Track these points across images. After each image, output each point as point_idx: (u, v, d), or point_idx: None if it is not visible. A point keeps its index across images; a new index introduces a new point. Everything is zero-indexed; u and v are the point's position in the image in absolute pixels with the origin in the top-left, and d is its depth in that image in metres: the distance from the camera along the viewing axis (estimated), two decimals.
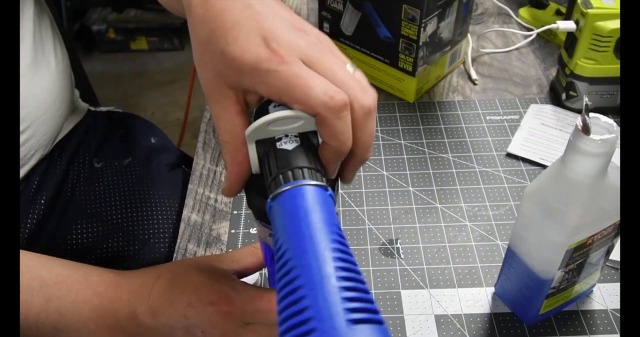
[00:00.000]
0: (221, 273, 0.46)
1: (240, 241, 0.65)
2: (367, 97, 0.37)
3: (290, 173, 0.34)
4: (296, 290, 0.26)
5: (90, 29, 2.43)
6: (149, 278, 0.47)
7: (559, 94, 0.79)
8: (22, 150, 0.69)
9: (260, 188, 0.37)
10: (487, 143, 0.76)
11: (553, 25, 0.79)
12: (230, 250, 0.47)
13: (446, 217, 0.67)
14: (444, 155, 0.74)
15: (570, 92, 0.77)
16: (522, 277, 0.53)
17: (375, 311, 0.26)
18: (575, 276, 0.52)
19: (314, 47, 0.36)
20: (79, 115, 0.84)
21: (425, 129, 0.78)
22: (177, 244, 0.66)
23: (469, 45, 0.89)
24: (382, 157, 0.74)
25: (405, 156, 0.74)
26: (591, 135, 0.41)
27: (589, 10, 0.71)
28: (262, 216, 0.38)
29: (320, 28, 0.86)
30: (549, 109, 0.79)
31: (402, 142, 0.76)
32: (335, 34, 0.84)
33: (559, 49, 0.90)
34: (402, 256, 0.63)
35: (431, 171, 0.72)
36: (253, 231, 0.66)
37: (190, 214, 0.69)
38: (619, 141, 0.42)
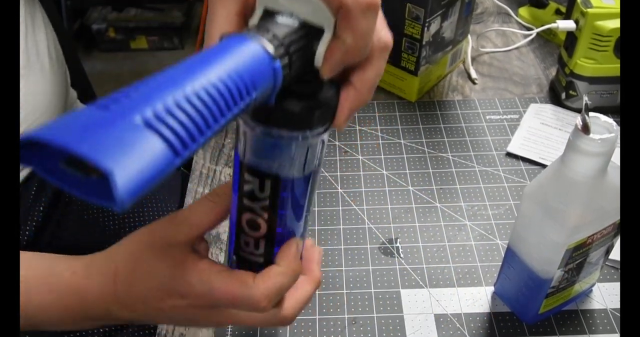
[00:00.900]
0: (182, 253, 0.41)
1: None
2: (386, 32, 0.36)
3: (259, 32, 0.30)
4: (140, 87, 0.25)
5: (90, 28, 2.42)
6: (107, 275, 0.43)
7: (559, 93, 0.79)
8: None
9: None
10: (487, 142, 0.76)
11: (553, 25, 0.79)
12: (183, 209, 0.43)
13: (446, 217, 0.67)
14: (443, 154, 0.74)
15: (570, 92, 0.77)
16: (521, 276, 0.53)
17: (183, 142, 0.24)
18: (575, 276, 0.53)
19: None
20: None
21: (425, 128, 0.78)
22: None
23: (468, 44, 0.89)
24: (382, 156, 0.74)
25: (405, 155, 0.74)
26: (591, 135, 0.41)
27: (589, 10, 0.71)
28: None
29: None
30: (549, 108, 0.79)
31: (402, 141, 0.76)
32: None
33: (558, 49, 0.90)
34: (401, 255, 0.63)
35: (431, 170, 0.72)
36: None
37: None
38: (618, 141, 0.42)
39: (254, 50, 0.29)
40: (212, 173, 0.74)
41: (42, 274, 0.45)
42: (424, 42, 0.75)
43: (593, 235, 0.48)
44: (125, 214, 0.77)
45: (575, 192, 0.45)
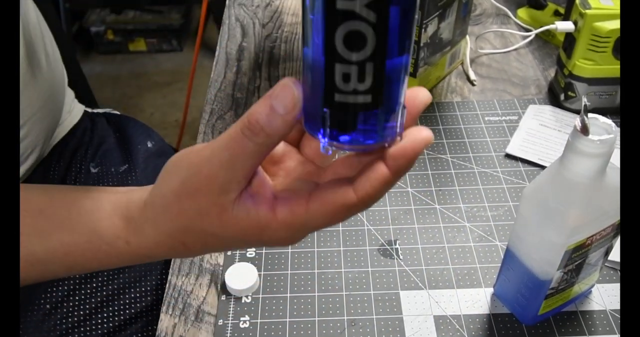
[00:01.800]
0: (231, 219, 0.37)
1: None
2: None
3: None
4: None
5: (88, 31, 2.42)
6: (172, 247, 0.40)
7: (558, 94, 0.80)
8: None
9: None
10: (486, 144, 0.76)
11: (551, 26, 0.79)
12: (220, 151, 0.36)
13: (445, 218, 0.67)
14: (442, 156, 0.74)
15: (569, 93, 0.77)
16: (521, 277, 0.53)
17: None
18: (574, 277, 0.52)
19: None
20: (76, 117, 0.84)
21: None
22: None
23: (467, 46, 0.89)
24: None
25: None
26: (590, 136, 0.41)
27: (588, 11, 0.71)
28: None
29: None
30: (548, 109, 0.79)
31: None
32: None
33: (557, 50, 0.90)
34: (401, 257, 0.63)
35: (430, 172, 0.72)
36: None
37: None
38: (617, 142, 0.42)
39: None
40: None
41: (87, 240, 0.43)
42: (421, 44, 0.75)
43: (592, 236, 0.48)
44: None
45: (574, 193, 0.45)
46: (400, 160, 0.33)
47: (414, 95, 0.35)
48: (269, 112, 0.33)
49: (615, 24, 0.70)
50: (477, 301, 0.59)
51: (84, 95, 0.91)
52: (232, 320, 0.58)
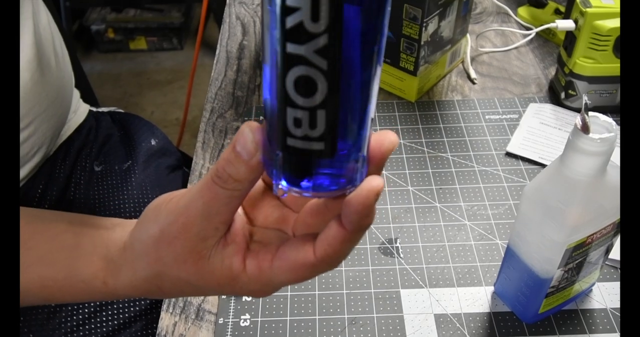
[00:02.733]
0: (212, 266, 0.37)
1: None
2: None
3: None
4: None
5: (89, 29, 2.42)
6: (149, 291, 0.42)
7: (558, 93, 0.80)
8: (25, 148, 0.69)
9: None
10: (487, 142, 0.76)
11: (552, 25, 0.79)
12: (197, 200, 0.35)
13: (445, 217, 0.67)
14: (443, 154, 0.74)
15: (570, 91, 0.77)
16: (521, 276, 0.53)
17: None
18: (575, 275, 0.53)
19: None
20: (82, 116, 0.84)
21: (424, 128, 0.78)
22: None
23: (468, 44, 0.89)
24: None
25: (404, 155, 0.74)
26: (590, 134, 0.41)
27: (588, 9, 0.71)
28: None
29: None
30: (548, 108, 0.79)
31: (402, 141, 0.76)
32: None
33: (558, 48, 0.90)
34: (401, 255, 0.63)
35: (430, 170, 0.72)
36: None
37: None
38: (618, 140, 0.42)
39: None
40: None
41: (65, 276, 0.44)
42: (422, 42, 0.75)
43: (593, 234, 0.48)
44: (127, 212, 0.77)
45: (574, 192, 0.45)
46: (352, 216, 0.32)
47: (380, 141, 0.33)
48: (234, 158, 0.33)
49: (616, 23, 0.70)
50: (477, 299, 0.59)
51: (85, 94, 0.91)
52: (232, 318, 0.58)
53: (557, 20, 0.77)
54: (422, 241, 0.65)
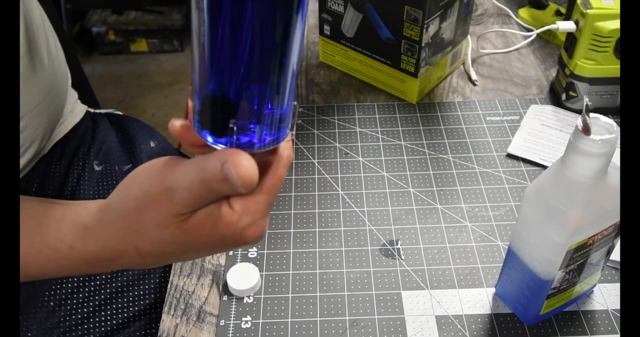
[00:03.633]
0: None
1: None
2: None
3: None
4: None
5: (90, 31, 2.42)
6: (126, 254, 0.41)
7: (559, 94, 0.80)
8: None
9: None
10: (487, 144, 0.76)
11: (553, 26, 0.79)
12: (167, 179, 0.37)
13: (446, 218, 0.67)
14: (444, 156, 0.74)
15: (570, 93, 0.77)
16: (522, 277, 0.53)
17: None
18: (576, 277, 0.52)
19: None
20: (78, 116, 0.84)
21: (425, 130, 0.78)
22: None
23: (468, 46, 0.89)
24: (383, 158, 0.74)
25: (405, 157, 0.74)
26: (591, 136, 0.41)
27: (589, 11, 0.71)
28: None
29: (321, 30, 0.86)
30: (549, 109, 0.79)
31: (403, 143, 0.76)
32: (336, 36, 0.84)
33: (558, 50, 0.90)
34: (402, 257, 0.63)
35: (431, 172, 0.72)
36: None
37: None
38: (619, 141, 0.42)
39: None
40: None
41: (29, 243, 0.43)
42: (423, 44, 0.75)
43: (594, 236, 0.48)
44: None
45: (575, 193, 0.45)
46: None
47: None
48: (225, 184, 0.35)
49: (617, 24, 0.70)
50: (478, 301, 0.59)
51: (85, 95, 0.91)
52: (233, 320, 0.58)
53: (557, 22, 0.77)
54: (423, 242, 0.65)
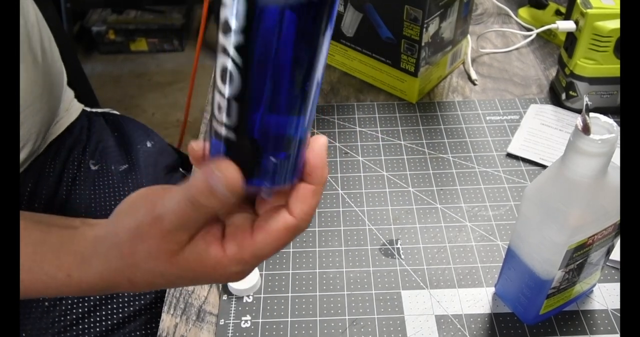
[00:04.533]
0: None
1: None
2: None
3: None
4: None
5: (90, 30, 2.42)
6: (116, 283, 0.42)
7: (559, 94, 0.79)
8: None
9: None
10: (487, 143, 0.76)
11: (553, 25, 0.79)
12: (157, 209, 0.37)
13: (446, 218, 0.67)
14: (444, 155, 0.74)
15: (570, 92, 0.77)
16: (522, 277, 0.53)
17: None
18: (576, 276, 0.52)
19: None
20: (73, 115, 0.84)
21: (425, 129, 0.78)
22: None
23: (468, 45, 0.89)
24: (382, 157, 0.74)
25: (405, 157, 0.74)
26: (591, 135, 0.41)
27: (589, 10, 0.71)
28: None
29: None
30: (549, 109, 0.79)
31: (402, 142, 0.76)
32: (336, 36, 0.84)
33: (558, 49, 0.90)
34: (402, 257, 0.63)
35: (431, 172, 0.72)
36: None
37: None
38: (619, 141, 0.42)
39: None
40: None
41: (28, 269, 0.43)
42: (423, 44, 0.75)
43: (594, 235, 0.48)
44: None
45: (575, 193, 0.45)
46: (315, 171, 0.36)
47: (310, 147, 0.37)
48: (209, 192, 0.34)
49: (617, 24, 0.70)
50: (478, 300, 0.59)
51: (85, 95, 0.91)
52: (233, 320, 0.58)
53: (557, 21, 0.77)
54: (423, 242, 0.65)
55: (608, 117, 0.43)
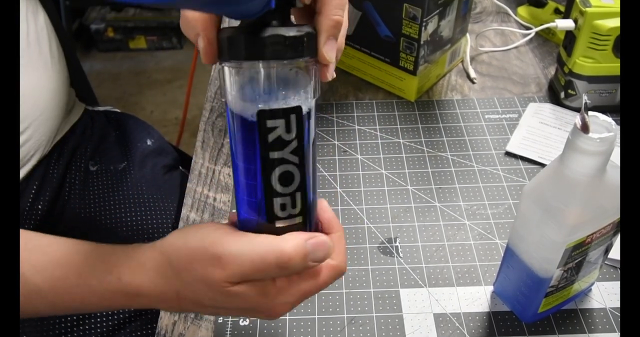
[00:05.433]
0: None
1: None
2: None
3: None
4: None
5: (89, 28, 2.42)
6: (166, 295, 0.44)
7: (558, 92, 0.79)
8: (22, 152, 0.69)
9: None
10: (486, 142, 0.76)
11: (552, 24, 0.79)
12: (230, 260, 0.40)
13: (445, 216, 0.67)
14: (442, 154, 0.74)
15: (569, 91, 0.77)
16: (520, 275, 0.53)
17: None
18: (574, 275, 0.53)
19: None
20: (76, 115, 0.84)
21: (424, 127, 0.78)
22: None
23: (467, 44, 0.89)
24: (381, 155, 0.74)
25: (404, 155, 0.74)
26: (590, 134, 0.41)
27: (588, 9, 0.71)
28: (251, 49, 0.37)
29: None
30: (548, 107, 0.79)
31: (401, 140, 0.76)
32: None
33: (557, 48, 0.90)
34: (401, 255, 0.63)
35: (430, 170, 0.72)
36: None
37: (189, 213, 0.69)
38: (617, 139, 0.42)
39: None
40: (211, 173, 0.74)
41: (78, 274, 0.44)
42: (422, 42, 0.75)
43: (592, 234, 0.48)
44: (122, 212, 0.77)
45: (574, 191, 0.45)
46: (334, 220, 0.45)
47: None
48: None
49: (616, 22, 0.70)
50: (477, 298, 0.59)
51: (84, 93, 0.91)
52: (232, 318, 0.58)
53: (556, 20, 0.77)
54: (421, 240, 0.65)
55: (607, 115, 0.43)
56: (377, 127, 0.78)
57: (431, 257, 0.63)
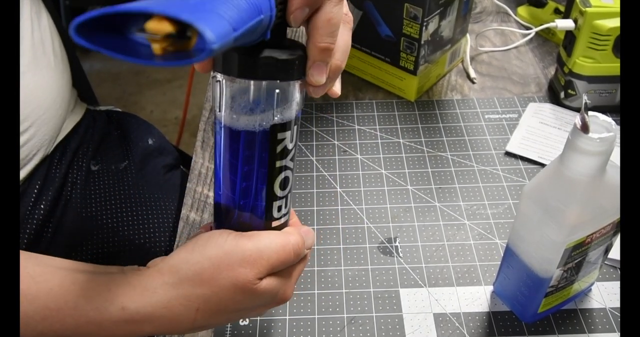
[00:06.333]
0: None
1: None
2: None
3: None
4: None
5: None
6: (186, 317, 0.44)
7: (558, 92, 0.80)
8: (24, 151, 0.69)
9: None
10: (486, 142, 0.76)
11: (552, 24, 0.79)
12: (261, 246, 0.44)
13: (445, 216, 0.67)
14: (442, 154, 0.74)
15: (569, 91, 0.77)
16: (520, 275, 0.53)
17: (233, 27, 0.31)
18: (574, 275, 0.53)
19: None
20: (78, 115, 0.84)
21: (424, 127, 0.78)
22: (176, 243, 0.66)
23: (467, 44, 0.89)
24: (381, 155, 0.74)
25: (404, 155, 0.74)
26: (590, 134, 0.41)
27: (588, 9, 0.71)
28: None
29: None
30: (548, 107, 0.79)
31: (401, 140, 0.76)
32: None
33: (557, 48, 0.90)
34: (400, 255, 0.63)
35: (430, 170, 0.72)
36: None
37: (189, 212, 0.69)
38: (617, 139, 0.42)
39: None
40: (211, 173, 0.74)
41: (74, 306, 0.42)
42: (422, 42, 0.75)
43: (592, 234, 0.48)
44: (123, 211, 0.77)
45: (574, 191, 0.45)
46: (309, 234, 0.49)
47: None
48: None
49: (616, 22, 0.70)
50: (476, 298, 0.59)
51: (85, 93, 0.91)
52: None
53: (556, 20, 0.77)
54: (421, 240, 0.65)
55: (607, 115, 0.43)
56: (377, 127, 0.78)
57: (431, 257, 0.63)
